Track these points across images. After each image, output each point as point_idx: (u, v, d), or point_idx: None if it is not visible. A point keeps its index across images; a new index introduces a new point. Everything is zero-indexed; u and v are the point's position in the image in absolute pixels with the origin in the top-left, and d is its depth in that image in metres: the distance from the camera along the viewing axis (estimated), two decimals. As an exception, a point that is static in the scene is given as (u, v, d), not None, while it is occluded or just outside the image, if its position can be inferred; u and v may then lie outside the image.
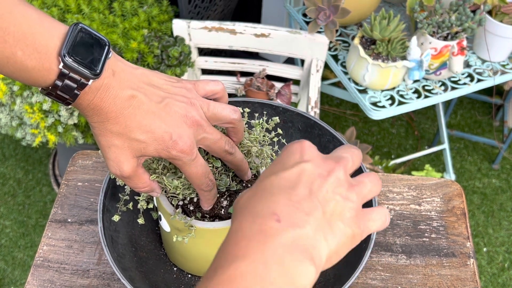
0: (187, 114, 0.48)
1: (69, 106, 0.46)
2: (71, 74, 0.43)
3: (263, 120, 0.62)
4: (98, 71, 0.43)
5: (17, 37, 0.40)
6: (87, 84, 0.43)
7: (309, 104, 1.33)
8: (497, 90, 2.04)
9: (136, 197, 0.59)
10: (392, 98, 1.33)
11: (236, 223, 0.36)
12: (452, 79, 1.38)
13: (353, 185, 0.38)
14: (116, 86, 0.45)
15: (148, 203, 0.60)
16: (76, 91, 0.43)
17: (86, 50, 0.43)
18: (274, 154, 0.61)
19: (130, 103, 0.46)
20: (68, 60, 0.42)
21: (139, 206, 0.59)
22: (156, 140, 0.47)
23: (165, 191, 0.56)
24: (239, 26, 1.33)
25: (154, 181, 0.53)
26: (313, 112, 1.33)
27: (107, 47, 0.45)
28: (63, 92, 0.43)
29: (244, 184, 0.59)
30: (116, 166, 0.48)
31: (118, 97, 0.45)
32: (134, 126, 0.46)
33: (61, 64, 0.42)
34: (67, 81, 0.43)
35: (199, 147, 0.51)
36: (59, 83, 0.43)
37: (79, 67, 0.42)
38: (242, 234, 0.35)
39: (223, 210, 0.58)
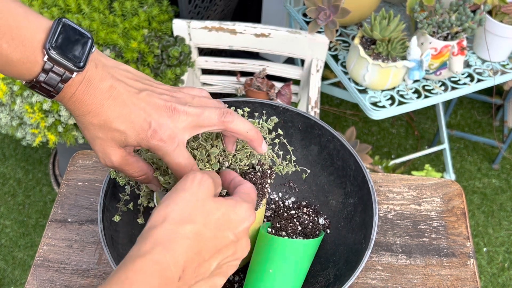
0: (166, 104, 0.48)
1: (53, 100, 0.47)
2: (55, 67, 0.43)
3: (263, 121, 0.62)
4: (81, 64, 0.44)
5: (3, 30, 0.41)
6: (71, 77, 0.44)
7: (309, 104, 1.33)
8: (497, 90, 2.04)
9: (137, 191, 0.59)
10: (392, 98, 1.33)
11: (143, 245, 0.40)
12: (452, 79, 1.38)
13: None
14: (97, 79, 0.46)
15: (149, 202, 0.60)
16: (60, 84, 0.44)
17: (70, 44, 0.44)
18: (274, 155, 0.61)
19: (110, 94, 0.46)
20: (53, 53, 0.43)
21: (139, 201, 0.59)
22: (136, 130, 0.47)
23: (166, 190, 0.56)
24: (239, 26, 1.33)
25: (149, 167, 0.53)
26: (313, 112, 1.33)
27: (90, 41, 0.46)
28: (47, 84, 0.44)
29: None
30: (105, 157, 0.49)
31: (98, 89, 0.46)
32: (114, 117, 0.46)
33: (46, 56, 0.43)
34: (51, 74, 0.44)
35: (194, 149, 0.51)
36: (43, 75, 0.44)
37: (63, 60, 0.43)
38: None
39: None
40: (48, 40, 0.43)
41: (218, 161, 0.55)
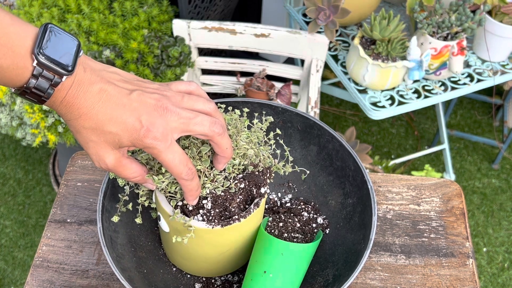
0: (157, 103, 0.48)
1: (43, 106, 0.48)
2: (45, 72, 0.44)
3: (258, 121, 0.62)
4: (70, 68, 0.45)
5: None
6: (60, 81, 0.45)
7: (309, 104, 1.33)
8: (497, 90, 2.04)
9: (136, 191, 0.60)
10: (392, 98, 1.33)
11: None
12: (452, 79, 1.38)
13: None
14: (87, 82, 0.46)
15: (150, 203, 0.60)
16: (50, 89, 0.45)
17: (58, 49, 0.45)
18: (270, 156, 0.61)
19: (100, 97, 0.46)
20: (42, 58, 0.43)
21: (139, 201, 0.59)
22: (128, 130, 0.47)
23: (164, 190, 0.56)
24: (239, 26, 1.33)
25: (143, 168, 0.53)
26: (313, 112, 1.33)
27: (77, 45, 0.46)
28: (37, 89, 0.45)
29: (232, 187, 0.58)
30: (99, 160, 0.49)
31: (88, 92, 0.46)
32: (106, 119, 0.47)
33: (35, 62, 0.44)
34: (41, 79, 0.44)
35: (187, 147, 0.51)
36: (33, 81, 0.44)
37: (52, 64, 0.44)
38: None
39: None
40: (36, 45, 0.44)
41: (209, 157, 0.55)
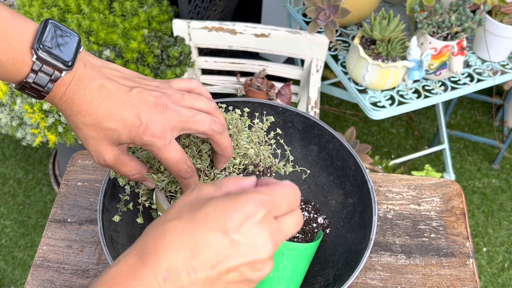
0: (157, 101, 0.48)
1: (43, 101, 0.47)
2: (44, 67, 0.44)
3: (259, 121, 0.62)
4: (70, 63, 0.45)
5: None
6: (60, 76, 0.45)
7: (309, 104, 1.33)
8: (497, 90, 2.04)
9: (137, 190, 0.60)
10: (392, 98, 1.33)
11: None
12: (452, 79, 1.38)
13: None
14: (87, 78, 0.46)
15: (150, 203, 0.60)
16: (49, 84, 0.45)
17: (58, 44, 0.45)
18: (271, 156, 0.61)
19: (100, 93, 0.46)
20: (41, 53, 0.44)
21: (139, 201, 0.59)
22: (127, 127, 0.47)
23: (164, 190, 0.56)
24: (239, 26, 1.33)
25: (143, 166, 0.53)
26: (313, 112, 1.33)
27: (78, 41, 0.46)
28: (37, 84, 0.45)
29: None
30: (98, 156, 0.49)
31: (88, 88, 0.46)
32: (105, 116, 0.47)
33: (34, 56, 0.44)
34: (40, 74, 0.44)
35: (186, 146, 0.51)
36: (32, 76, 0.44)
37: (52, 59, 0.44)
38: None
39: None
40: (36, 40, 0.44)
41: (209, 156, 0.55)
